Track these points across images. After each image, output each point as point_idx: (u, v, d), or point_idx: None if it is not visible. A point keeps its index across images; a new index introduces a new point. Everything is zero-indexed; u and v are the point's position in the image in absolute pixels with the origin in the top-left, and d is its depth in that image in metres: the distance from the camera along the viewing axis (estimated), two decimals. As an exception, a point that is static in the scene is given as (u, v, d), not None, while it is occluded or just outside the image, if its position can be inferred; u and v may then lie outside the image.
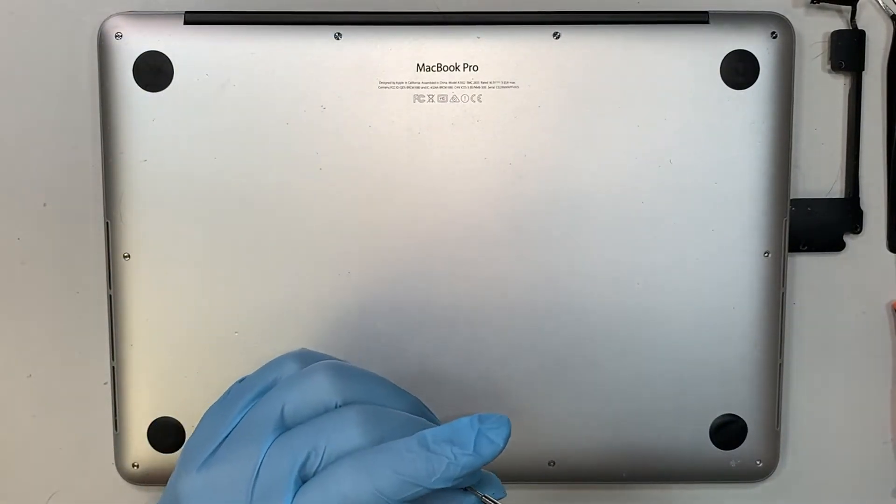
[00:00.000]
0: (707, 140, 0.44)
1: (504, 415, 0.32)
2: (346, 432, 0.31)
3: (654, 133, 0.44)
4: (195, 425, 0.45)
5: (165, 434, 0.45)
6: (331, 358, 0.35)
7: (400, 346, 0.45)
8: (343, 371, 0.33)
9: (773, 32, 0.44)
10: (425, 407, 0.35)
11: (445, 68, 0.44)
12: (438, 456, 0.30)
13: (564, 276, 0.44)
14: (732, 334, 0.45)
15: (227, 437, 0.33)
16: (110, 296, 0.45)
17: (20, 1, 0.46)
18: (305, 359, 0.35)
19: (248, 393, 0.34)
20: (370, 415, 0.32)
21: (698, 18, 0.44)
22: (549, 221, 0.44)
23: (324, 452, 0.31)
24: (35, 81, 0.46)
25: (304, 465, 0.31)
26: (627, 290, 0.45)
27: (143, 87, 0.44)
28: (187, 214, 0.44)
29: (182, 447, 0.36)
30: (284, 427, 0.32)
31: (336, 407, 0.32)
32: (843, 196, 0.47)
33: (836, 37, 0.46)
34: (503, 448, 0.31)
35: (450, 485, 0.30)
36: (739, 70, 0.44)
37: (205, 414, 0.35)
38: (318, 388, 0.32)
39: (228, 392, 0.35)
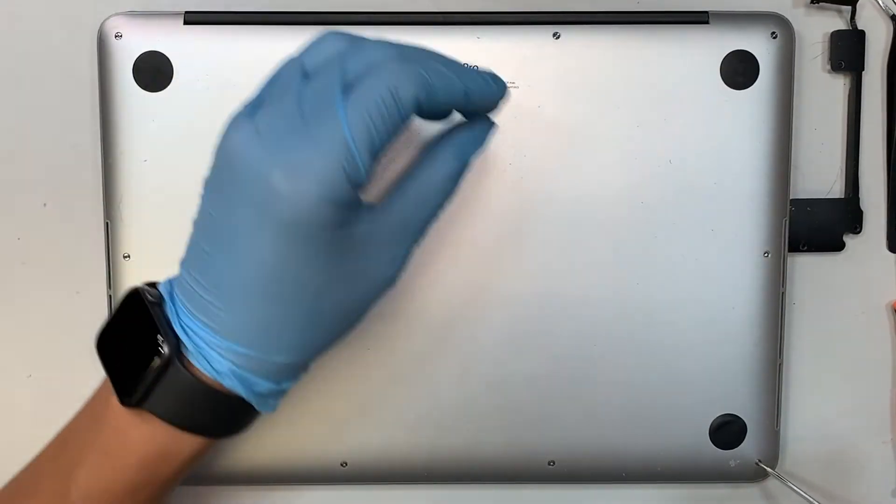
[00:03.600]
0: (707, 140, 0.44)
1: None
2: (377, 49, 0.31)
3: (654, 133, 0.44)
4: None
5: (165, 434, 0.45)
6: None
7: (399, 347, 0.45)
8: (351, 35, 0.34)
9: (773, 32, 0.44)
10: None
11: (445, 68, 0.44)
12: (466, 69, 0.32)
13: (564, 276, 0.44)
14: (732, 334, 0.45)
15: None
16: (110, 296, 0.45)
17: (20, 1, 0.46)
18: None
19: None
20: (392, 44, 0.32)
21: (698, 18, 0.44)
22: (549, 221, 0.44)
23: (363, 65, 0.31)
24: (35, 81, 0.46)
25: (347, 75, 0.31)
26: (627, 290, 0.45)
27: (142, 88, 0.44)
28: (187, 215, 0.44)
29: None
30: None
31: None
32: (842, 196, 0.47)
33: (836, 37, 0.46)
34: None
35: (479, 89, 0.33)
36: (739, 70, 0.44)
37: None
38: (333, 43, 0.33)
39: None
